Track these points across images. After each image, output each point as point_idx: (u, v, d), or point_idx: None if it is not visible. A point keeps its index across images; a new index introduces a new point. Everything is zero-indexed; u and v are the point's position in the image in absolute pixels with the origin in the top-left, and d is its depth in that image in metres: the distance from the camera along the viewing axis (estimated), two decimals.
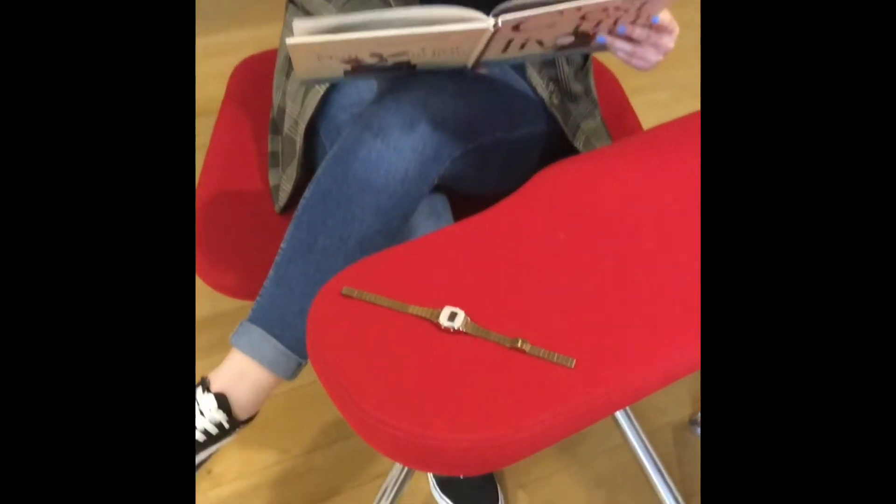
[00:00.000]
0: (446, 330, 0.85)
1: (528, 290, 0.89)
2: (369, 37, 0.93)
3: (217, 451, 1.10)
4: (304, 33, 0.94)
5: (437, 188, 1.14)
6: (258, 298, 1.10)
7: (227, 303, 1.22)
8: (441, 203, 1.15)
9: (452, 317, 0.86)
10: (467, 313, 0.86)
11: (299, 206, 1.09)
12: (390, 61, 1.04)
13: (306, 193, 1.09)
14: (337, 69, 1.05)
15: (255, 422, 1.08)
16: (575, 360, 0.84)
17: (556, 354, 0.84)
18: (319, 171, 1.09)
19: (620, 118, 1.43)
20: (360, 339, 0.84)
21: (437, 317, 0.86)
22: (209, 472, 1.35)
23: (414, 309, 0.86)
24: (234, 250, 1.20)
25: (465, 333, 0.85)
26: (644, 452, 1.37)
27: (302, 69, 1.03)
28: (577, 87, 1.29)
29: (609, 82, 1.50)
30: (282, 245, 1.09)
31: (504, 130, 1.17)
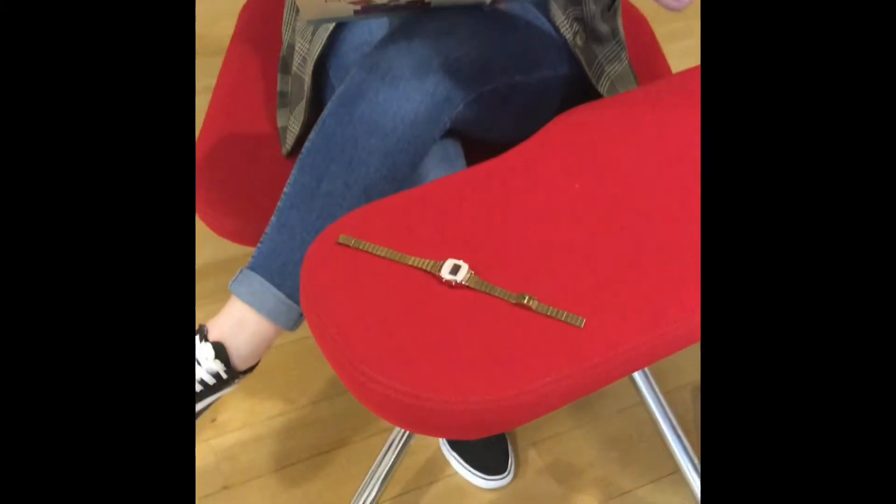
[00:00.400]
0: (447, 283, 0.79)
1: (538, 244, 0.83)
2: None
3: (217, 400, 1.06)
4: None
5: (450, 133, 1.07)
6: (259, 245, 1.04)
7: (233, 248, 1.17)
8: (453, 148, 1.08)
9: (455, 270, 0.80)
10: (471, 266, 0.80)
11: (303, 149, 1.03)
12: (403, 1, 0.97)
13: (311, 136, 1.03)
14: (345, 9, 0.98)
15: (261, 370, 1.04)
16: (585, 320, 0.78)
17: (564, 313, 0.78)
18: (325, 113, 1.03)
19: (649, 63, 1.35)
20: (355, 290, 0.79)
21: (439, 269, 0.80)
22: (213, 420, 1.32)
23: (414, 260, 0.80)
24: (239, 194, 1.15)
25: (468, 288, 0.79)
26: (661, 413, 1.31)
27: (308, 10, 0.96)
28: (603, 28, 1.21)
29: (639, 24, 1.41)
30: (285, 189, 1.03)
31: (522, 73, 1.10)
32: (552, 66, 1.15)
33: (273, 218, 1.04)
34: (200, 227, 1.14)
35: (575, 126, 0.97)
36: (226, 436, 1.30)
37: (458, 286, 0.79)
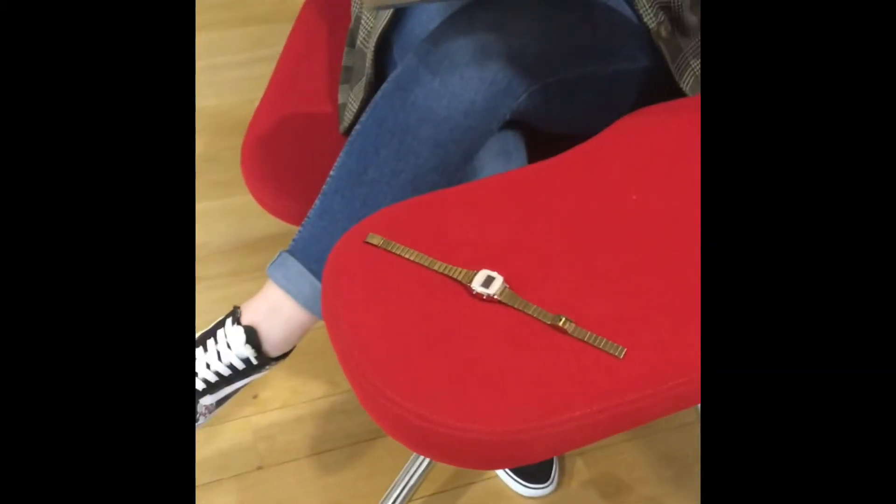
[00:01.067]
0: (478, 296, 0.72)
1: (582, 259, 0.75)
2: None
3: (246, 385, 1.02)
4: None
5: (511, 124, 0.99)
6: (300, 228, 0.99)
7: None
8: (514, 141, 1.00)
9: (488, 282, 0.72)
10: (506, 279, 0.73)
11: (353, 132, 0.97)
12: None
13: (362, 118, 0.97)
14: None
15: (308, 350, 0.99)
16: (625, 350, 0.70)
17: (603, 340, 0.70)
18: (378, 95, 0.96)
19: None
20: (378, 296, 0.72)
21: (471, 279, 0.72)
22: (255, 396, 1.28)
23: (444, 267, 0.73)
24: (292, 173, 1.09)
25: (500, 303, 0.72)
26: None
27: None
28: (691, 19, 1.11)
29: None
30: (331, 172, 0.97)
31: (596, 63, 1.01)
32: (630, 57, 1.05)
33: (317, 201, 0.98)
34: None
35: (645, 128, 0.88)
36: (266, 414, 1.26)
37: (490, 300, 0.72)
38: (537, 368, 0.68)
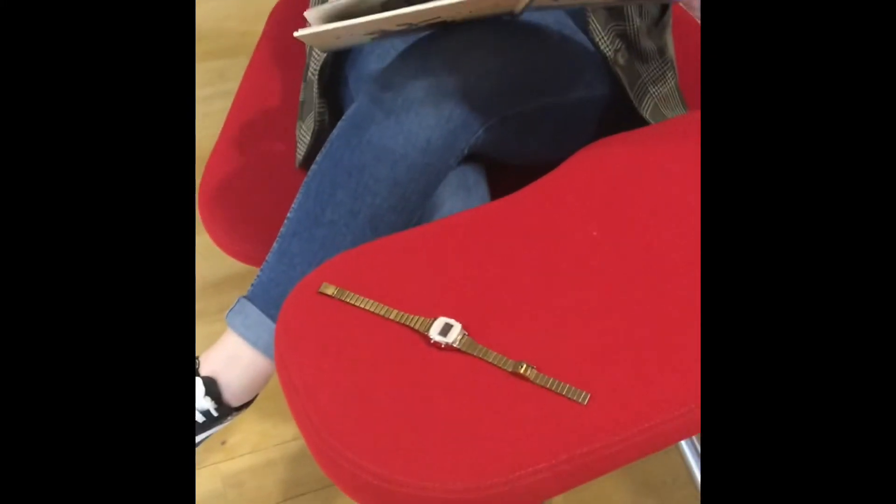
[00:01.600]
0: (436, 345, 0.69)
1: (544, 301, 0.72)
2: (394, 15, 0.77)
3: (209, 437, 0.98)
4: (318, 21, 0.79)
5: (471, 157, 0.97)
6: (259, 273, 0.95)
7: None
8: (473, 175, 0.98)
9: (446, 330, 0.69)
10: (465, 326, 0.70)
11: (309, 172, 0.94)
12: (422, 25, 0.87)
13: (318, 158, 0.94)
14: (362, 39, 0.89)
15: (277, 392, 0.95)
16: (589, 396, 0.67)
17: (566, 386, 0.67)
18: (333, 135, 0.94)
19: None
20: (333, 349, 0.69)
21: (428, 328, 0.69)
22: (223, 442, 1.24)
23: (401, 316, 0.70)
24: (249, 213, 1.06)
25: (459, 351, 0.69)
26: (695, 458, 1.20)
27: (323, 46, 0.87)
28: (648, 45, 1.09)
29: (695, 39, 1.28)
30: (289, 214, 0.94)
31: (554, 94, 0.99)
32: (589, 85, 1.03)
33: (275, 244, 0.95)
34: None
35: (604, 159, 0.85)
36: (235, 460, 1.22)
37: (448, 348, 0.69)
38: (499, 420, 0.65)
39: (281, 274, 0.93)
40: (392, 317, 0.70)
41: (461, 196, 0.95)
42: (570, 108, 1.00)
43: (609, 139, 0.89)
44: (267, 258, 0.95)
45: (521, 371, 0.67)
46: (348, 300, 0.71)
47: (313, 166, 0.93)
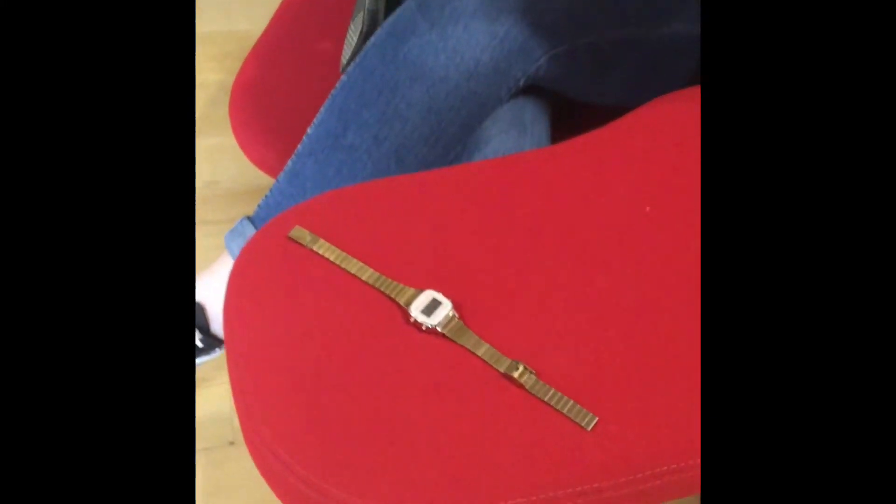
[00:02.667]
0: (416, 325, 0.54)
1: (562, 288, 0.56)
2: None
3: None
4: None
5: (533, 90, 0.80)
6: (267, 193, 0.82)
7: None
8: (532, 111, 0.81)
9: (432, 307, 0.54)
10: (456, 306, 0.54)
11: (337, 84, 0.79)
12: None
13: (349, 68, 0.79)
14: None
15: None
16: (596, 420, 0.51)
17: (569, 402, 0.51)
18: (370, 42, 0.78)
19: None
20: (289, 311, 0.55)
21: (411, 301, 0.54)
22: None
23: (380, 280, 0.55)
24: (280, 119, 0.92)
25: (443, 336, 0.54)
26: None
27: None
28: None
29: None
30: (308, 130, 0.80)
31: (639, 24, 0.80)
32: (686, 18, 0.83)
33: (289, 162, 0.81)
34: None
35: (680, 115, 0.67)
36: None
37: (431, 332, 0.54)
38: (477, 434, 0.50)
39: (289, 198, 0.80)
40: (367, 278, 0.55)
41: (513, 135, 0.79)
42: (659, 44, 0.82)
43: (696, 90, 0.70)
44: (278, 177, 0.81)
45: (516, 374, 0.52)
46: (320, 251, 0.56)
47: (343, 77, 0.79)
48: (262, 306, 0.54)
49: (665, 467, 0.50)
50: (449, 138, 0.76)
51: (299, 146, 0.80)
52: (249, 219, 0.82)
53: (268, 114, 0.93)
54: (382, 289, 0.55)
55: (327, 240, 0.56)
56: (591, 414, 0.51)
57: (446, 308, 0.54)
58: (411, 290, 0.55)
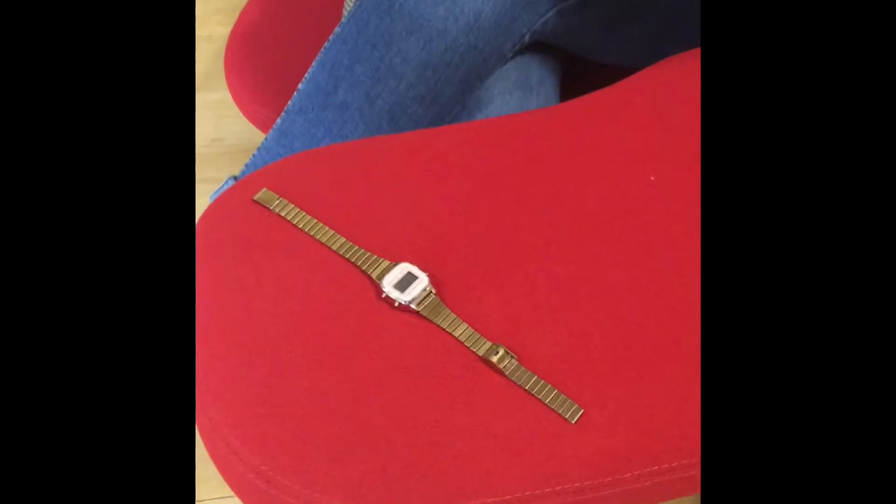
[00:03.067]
0: (387, 301, 0.49)
1: (549, 263, 0.50)
2: None
3: None
4: None
5: (540, 48, 0.74)
6: (254, 153, 0.77)
7: None
8: (539, 71, 0.75)
9: (407, 281, 0.49)
10: (433, 280, 0.49)
11: (331, 37, 0.73)
12: None
13: (343, 19, 0.73)
14: None
15: None
16: (582, 412, 0.46)
17: (553, 391, 0.46)
18: None
19: None
20: (249, 283, 0.50)
21: (384, 274, 0.49)
22: None
23: (350, 249, 0.50)
24: (278, 72, 0.87)
25: (417, 314, 0.49)
26: None
27: None
28: None
29: None
30: (299, 85, 0.75)
31: None
32: None
33: (278, 120, 0.76)
34: None
35: (691, 77, 0.61)
36: None
37: (405, 309, 0.49)
38: (450, 424, 0.45)
39: (276, 157, 0.75)
40: (338, 248, 0.50)
41: (517, 97, 0.73)
42: (676, 1, 0.75)
43: None
44: (267, 135, 0.76)
45: (495, 359, 0.47)
46: (288, 216, 0.51)
47: (336, 30, 0.73)
48: (220, 274, 0.50)
49: (656, 467, 0.45)
50: (447, 98, 0.70)
51: (289, 103, 0.75)
52: (234, 178, 0.77)
53: (264, 67, 0.88)
54: (353, 260, 0.50)
55: (297, 204, 0.51)
56: (575, 405, 0.46)
57: (422, 283, 0.49)
58: (385, 263, 0.50)
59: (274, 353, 0.47)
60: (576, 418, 0.45)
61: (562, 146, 0.55)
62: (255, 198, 0.52)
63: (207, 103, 1.23)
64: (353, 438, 0.44)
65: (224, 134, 1.26)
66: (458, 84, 0.70)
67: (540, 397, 0.46)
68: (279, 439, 0.44)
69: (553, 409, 0.46)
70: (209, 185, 1.15)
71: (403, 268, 0.49)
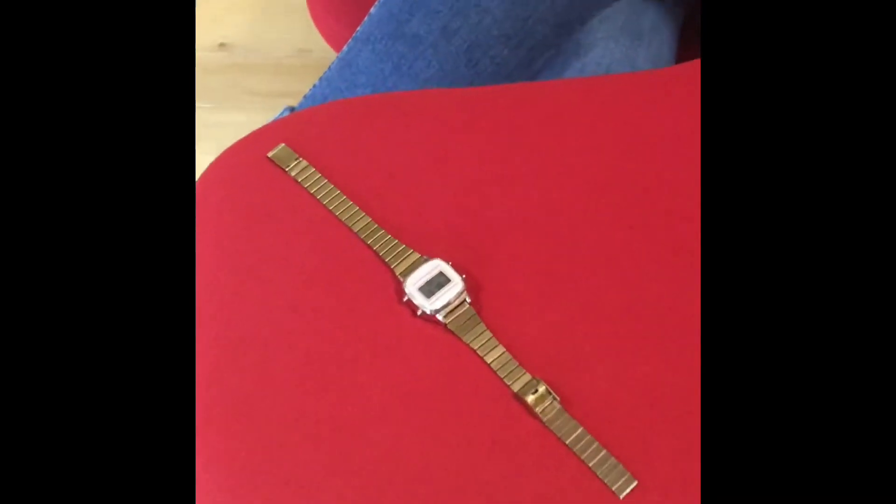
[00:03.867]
0: (409, 306, 0.39)
1: (619, 281, 0.39)
2: None
3: None
4: None
5: None
6: (317, 82, 0.67)
7: None
8: (652, 16, 0.62)
9: (437, 284, 0.38)
10: (469, 287, 0.39)
11: None
12: None
13: None
14: None
15: None
16: (635, 484, 0.35)
17: (602, 451, 0.35)
18: None
19: None
20: (247, 262, 0.40)
21: (410, 270, 0.39)
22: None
23: (376, 237, 0.40)
24: None
25: (443, 327, 0.38)
26: None
27: None
28: None
29: None
30: (371, 10, 0.64)
31: None
32: None
33: (344, 48, 0.65)
34: None
35: None
36: None
37: (429, 319, 0.38)
38: (462, 476, 0.35)
39: (337, 92, 0.65)
40: (359, 229, 0.40)
41: (624, 44, 0.61)
42: None
43: None
44: (330, 65, 0.66)
45: (531, 399, 0.36)
46: (305, 182, 0.41)
47: None
48: (216, 248, 0.40)
49: None
50: (538, 39, 0.58)
51: (358, 29, 0.64)
52: (291, 109, 0.67)
53: None
54: (376, 247, 0.39)
55: (318, 167, 0.41)
56: (628, 473, 0.35)
57: (456, 287, 0.38)
58: (414, 256, 0.39)
59: (261, 359, 0.37)
60: (625, 492, 0.35)
61: (669, 130, 0.42)
62: (271, 155, 0.42)
63: (295, 7, 1.12)
64: (343, 482, 0.35)
65: (312, 45, 1.15)
66: (554, 24, 0.58)
67: (583, 457, 0.35)
68: (251, 469, 0.35)
69: (597, 475, 0.35)
70: (288, 98, 1.06)
71: (434, 265, 0.39)
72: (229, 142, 0.46)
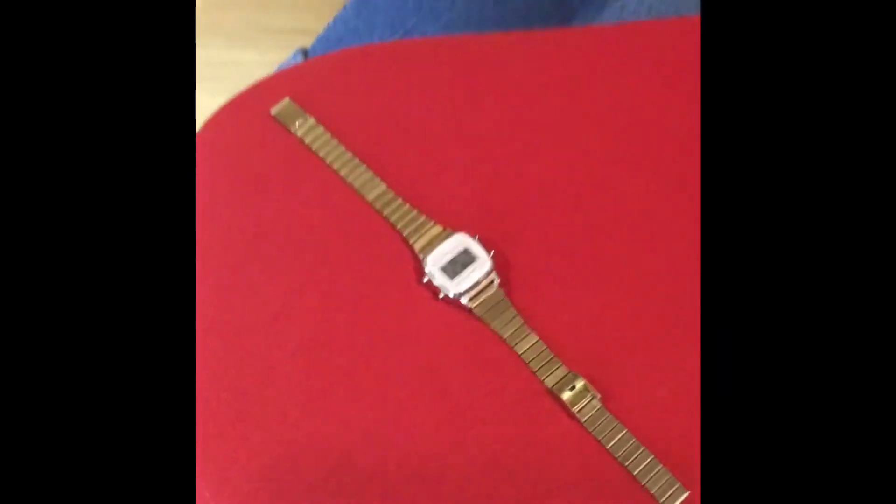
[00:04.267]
0: (429, 287, 0.34)
1: (664, 263, 0.34)
2: None
3: None
4: None
5: None
6: (329, 23, 0.61)
7: None
8: None
9: (462, 263, 0.34)
10: (499, 265, 0.34)
11: None
12: None
13: None
14: None
15: None
16: (686, 495, 0.31)
17: (650, 458, 0.31)
18: None
19: None
20: (248, 233, 0.35)
21: (430, 249, 0.34)
22: None
23: (392, 206, 0.35)
24: None
25: (468, 312, 0.33)
26: None
27: None
28: None
29: None
30: None
31: None
32: None
33: None
34: None
35: None
36: None
37: (451, 302, 0.34)
38: (485, 482, 0.31)
39: (353, 32, 0.59)
40: (373, 197, 0.35)
41: None
42: None
43: None
44: (346, 3, 0.60)
45: (568, 396, 0.32)
46: (312, 144, 0.36)
47: None
48: (212, 214, 0.35)
49: None
50: None
51: None
52: (303, 51, 0.62)
53: None
54: (392, 219, 0.34)
55: (327, 126, 0.36)
56: (679, 484, 0.31)
57: (484, 266, 0.33)
58: (436, 229, 0.34)
59: (262, 349, 0.33)
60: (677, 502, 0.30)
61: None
62: (274, 111, 0.37)
63: None
64: (351, 489, 0.31)
65: None
66: None
67: (627, 465, 0.31)
68: (248, 473, 0.31)
69: (641, 484, 0.31)
70: (304, 37, 1.00)
71: (459, 241, 0.34)
72: (242, 82, 0.41)
